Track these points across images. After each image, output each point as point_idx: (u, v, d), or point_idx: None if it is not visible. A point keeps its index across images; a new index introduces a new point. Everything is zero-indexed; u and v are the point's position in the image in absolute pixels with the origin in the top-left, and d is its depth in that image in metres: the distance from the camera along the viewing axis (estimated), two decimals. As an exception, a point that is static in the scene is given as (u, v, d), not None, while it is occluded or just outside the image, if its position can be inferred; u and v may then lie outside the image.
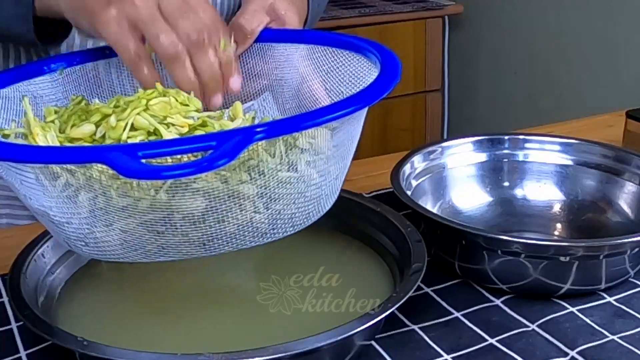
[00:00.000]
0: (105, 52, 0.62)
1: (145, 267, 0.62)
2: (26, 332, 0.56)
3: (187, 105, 0.54)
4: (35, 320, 0.49)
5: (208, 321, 0.56)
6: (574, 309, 0.59)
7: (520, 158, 0.76)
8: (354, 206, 0.64)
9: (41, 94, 0.58)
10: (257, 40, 0.62)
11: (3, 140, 0.52)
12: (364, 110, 0.50)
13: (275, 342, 0.46)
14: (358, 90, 0.56)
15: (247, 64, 0.62)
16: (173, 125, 0.51)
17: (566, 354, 0.54)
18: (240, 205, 0.47)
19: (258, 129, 0.43)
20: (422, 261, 0.55)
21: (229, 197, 0.46)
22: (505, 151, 0.76)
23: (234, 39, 0.60)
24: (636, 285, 0.63)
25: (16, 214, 0.86)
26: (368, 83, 0.54)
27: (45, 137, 0.51)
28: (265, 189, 0.47)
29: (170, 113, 0.52)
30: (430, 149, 0.74)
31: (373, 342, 0.55)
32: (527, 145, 0.76)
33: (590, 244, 0.58)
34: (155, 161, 0.42)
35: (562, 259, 0.58)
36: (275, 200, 0.48)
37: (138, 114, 0.51)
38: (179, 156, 0.44)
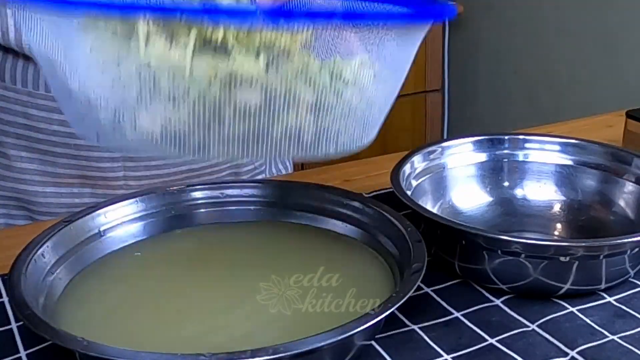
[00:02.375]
0: None
1: (146, 267, 0.62)
2: (26, 332, 0.56)
3: None
4: (35, 320, 0.49)
5: (208, 321, 0.56)
6: (574, 309, 0.59)
7: (520, 158, 0.76)
8: (353, 206, 0.64)
9: None
10: None
11: None
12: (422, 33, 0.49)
13: (275, 342, 0.46)
14: None
15: None
16: None
17: (566, 354, 0.54)
18: (294, 105, 0.45)
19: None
20: (422, 261, 0.54)
21: (284, 93, 0.44)
22: (505, 151, 0.76)
23: None
24: (636, 285, 0.63)
25: (12, 214, 0.86)
26: None
27: None
28: (318, 96, 0.46)
29: None
30: (430, 149, 0.74)
31: (373, 342, 0.55)
32: (527, 145, 0.76)
33: (590, 244, 0.58)
34: None
35: (562, 259, 0.58)
36: (324, 111, 0.46)
37: None
38: None
